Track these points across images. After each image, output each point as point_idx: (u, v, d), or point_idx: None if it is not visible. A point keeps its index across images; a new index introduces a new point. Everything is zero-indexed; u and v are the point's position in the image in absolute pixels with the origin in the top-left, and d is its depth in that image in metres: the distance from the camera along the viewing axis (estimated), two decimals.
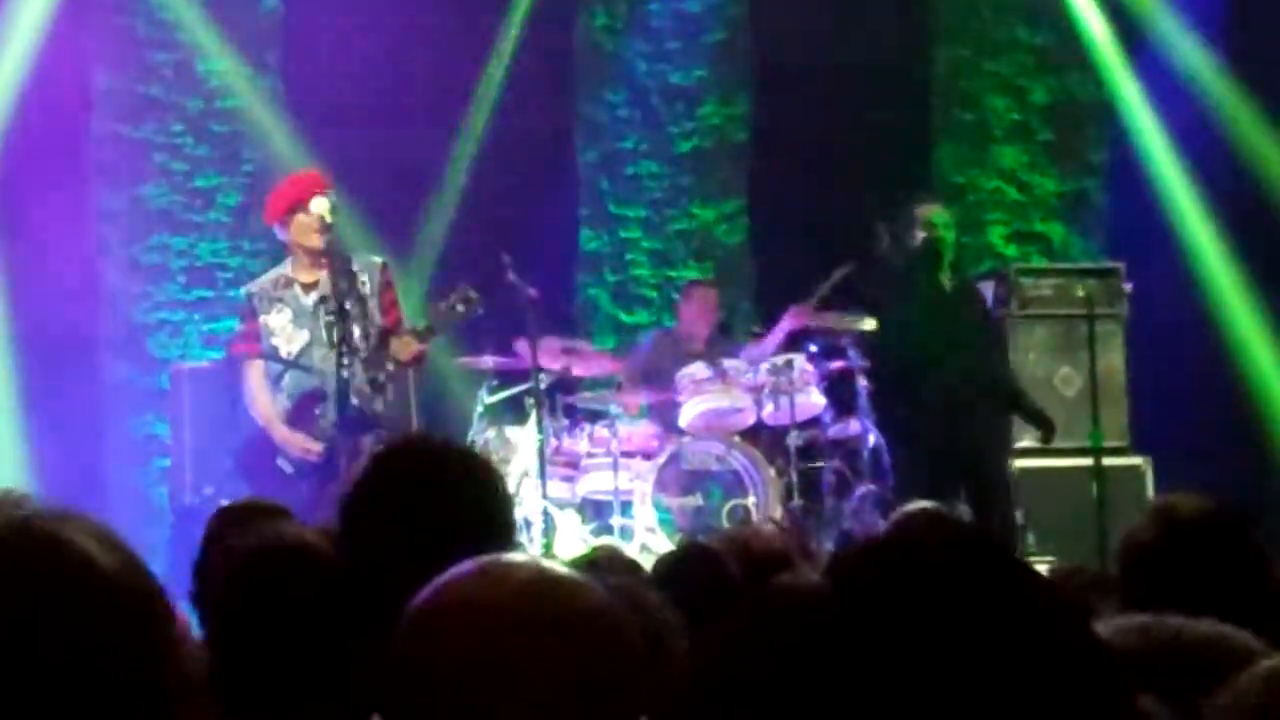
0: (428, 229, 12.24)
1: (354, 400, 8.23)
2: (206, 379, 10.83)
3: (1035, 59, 12.53)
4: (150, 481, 11.37)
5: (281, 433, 8.39)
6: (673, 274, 12.30)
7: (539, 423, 9.77)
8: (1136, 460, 10.32)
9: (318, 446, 8.31)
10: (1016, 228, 12.45)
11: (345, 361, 8.18)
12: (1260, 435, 11.63)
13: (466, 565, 1.88)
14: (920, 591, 1.48)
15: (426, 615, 1.85)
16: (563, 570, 1.91)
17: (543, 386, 9.97)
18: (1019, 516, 10.07)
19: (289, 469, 8.41)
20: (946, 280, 9.65)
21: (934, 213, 9.69)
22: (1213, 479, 10.06)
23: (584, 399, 10.83)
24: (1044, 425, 9.80)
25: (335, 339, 8.23)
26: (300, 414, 8.43)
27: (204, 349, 11.59)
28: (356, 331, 8.24)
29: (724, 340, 11.14)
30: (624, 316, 12.42)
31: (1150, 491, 10.21)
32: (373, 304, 8.38)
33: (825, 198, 11.85)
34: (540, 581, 1.87)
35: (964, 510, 8.99)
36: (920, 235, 9.56)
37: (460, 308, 8.45)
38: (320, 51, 11.90)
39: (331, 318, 8.25)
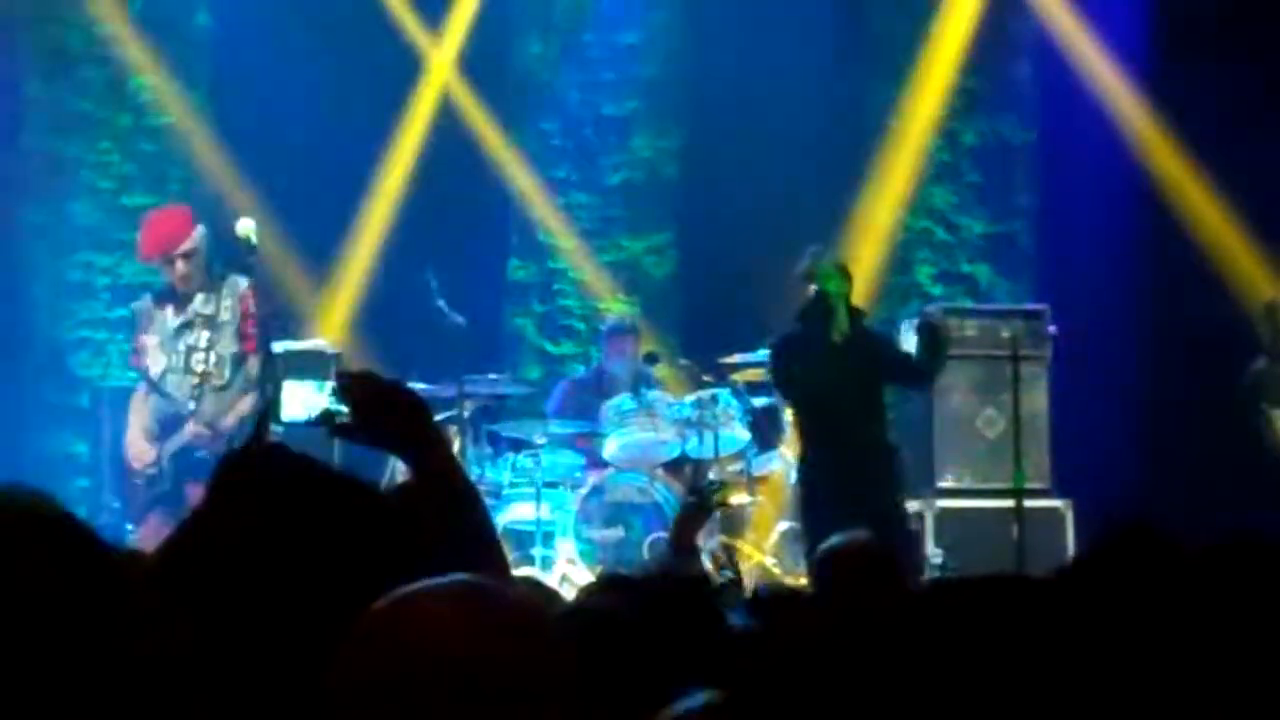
0: (356, 252, 12.20)
1: (189, 437, 8.59)
2: (127, 399, 10.73)
3: (965, 101, 12.59)
4: (68, 500, 11.19)
5: (127, 446, 8.77)
6: (601, 305, 12.28)
7: (462, 451, 9.73)
8: (1057, 503, 10.33)
9: (151, 455, 8.62)
10: (944, 268, 12.48)
11: (197, 393, 8.58)
12: (1181, 482, 11.66)
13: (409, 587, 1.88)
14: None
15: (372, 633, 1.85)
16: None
17: (466, 415, 9.95)
18: (939, 557, 10.07)
19: (139, 481, 8.75)
20: (837, 334, 9.24)
21: (821, 266, 9.25)
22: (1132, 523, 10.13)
23: (507, 427, 10.79)
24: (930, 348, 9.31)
25: (192, 366, 8.60)
26: (164, 437, 8.75)
27: (125, 369, 11.48)
28: (213, 359, 8.56)
29: (650, 370, 11.12)
30: (550, 347, 12.39)
31: (1070, 535, 10.24)
32: (230, 330, 8.54)
33: (754, 232, 11.86)
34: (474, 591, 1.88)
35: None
36: (810, 290, 9.17)
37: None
38: (251, 70, 11.84)
39: (190, 344, 8.55)
